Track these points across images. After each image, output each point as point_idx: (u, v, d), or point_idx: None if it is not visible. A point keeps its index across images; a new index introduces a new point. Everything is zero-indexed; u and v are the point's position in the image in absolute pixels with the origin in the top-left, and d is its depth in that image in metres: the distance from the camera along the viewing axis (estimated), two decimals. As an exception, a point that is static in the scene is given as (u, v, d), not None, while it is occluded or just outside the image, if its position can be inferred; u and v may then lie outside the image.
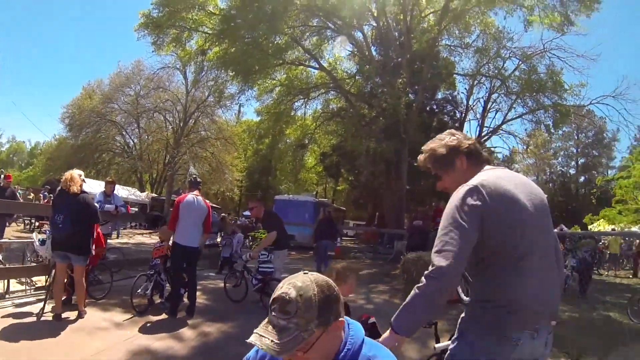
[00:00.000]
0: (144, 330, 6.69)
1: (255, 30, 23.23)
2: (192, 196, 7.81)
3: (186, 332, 6.90)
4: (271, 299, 1.63)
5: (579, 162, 63.77)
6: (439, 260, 2.21)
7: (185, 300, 7.91)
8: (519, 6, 24.53)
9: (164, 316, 7.54)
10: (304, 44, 26.36)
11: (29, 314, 6.65)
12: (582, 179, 62.95)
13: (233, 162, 42.54)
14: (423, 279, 2.25)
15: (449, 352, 2.48)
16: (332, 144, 33.66)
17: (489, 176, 2.47)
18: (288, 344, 1.54)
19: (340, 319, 1.66)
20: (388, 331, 2.33)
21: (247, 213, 30.67)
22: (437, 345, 3.45)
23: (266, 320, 1.63)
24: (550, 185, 62.78)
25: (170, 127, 42.11)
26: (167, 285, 8.27)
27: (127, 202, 23.05)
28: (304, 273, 1.69)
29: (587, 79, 31.35)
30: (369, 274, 15.80)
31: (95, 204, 7.22)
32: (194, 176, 8.90)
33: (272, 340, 1.54)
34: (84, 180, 6.77)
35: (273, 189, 48.94)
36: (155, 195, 39.52)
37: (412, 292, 2.27)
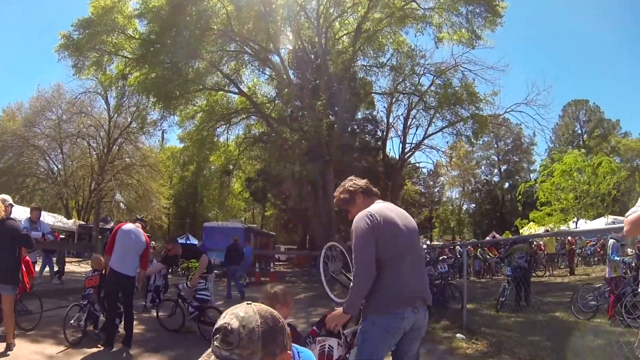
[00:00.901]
0: None
1: (174, 55, 23.29)
2: (132, 225, 7.68)
3: None
4: (214, 328, 1.57)
5: (502, 169, 66.88)
6: (360, 265, 3.45)
7: (121, 330, 7.59)
8: (428, 24, 25.96)
9: (99, 348, 7.20)
10: (222, 69, 26.54)
11: (-47, 348, 6.22)
12: (506, 185, 65.81)
13: (159, 189, 41.32)
14: (353, 279, 3.51)
15: (359, 331, 3.61)
16: (256, 169, 33.79)
17: (378, 207, 3.76)
18: None
19: (287, 351, 1.62)
20: (339, 310, 3.61)
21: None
22: (345, 331, 4.11)
23: (209, 350, 1.60)
24: (477, 194, 66.04)
25: (94, 153, 40.20)
26: (102, 315, 7.85)
27: (54, 229, 22.25)
28: (247, 303, 1.63)
29: (500, 89, 33.22)
30: (307, 298, 15.84)
31: (24, 229, 6.89)
32: (138, 215, 8.67)
33: None
34: (11, 205, 6.51)
35: (201, 216, 48.45)
36: (83, 222, 38.20)
37: (350, 290, 3.53)
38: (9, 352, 6.25)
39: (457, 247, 19.04)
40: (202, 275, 8.66)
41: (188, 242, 28.38)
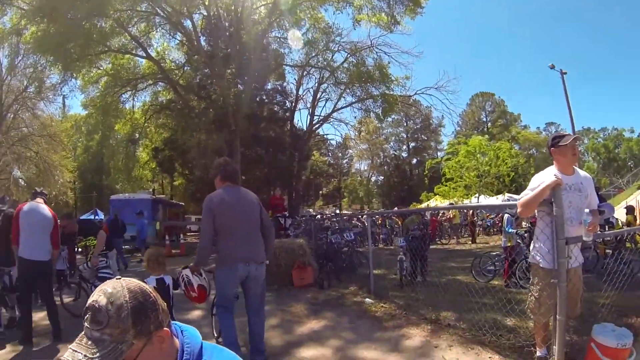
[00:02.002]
0: None
1: (78, 10, 21.34)
2: (34, 203, 6.82)
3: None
4: (84, 308, 1.46)
5: (410, 146, 70.84)
6: (201, 233, 5.38)
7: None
8: (348, 4, 25.89)
9: (6, 348, 6.33)
10: (130, 31, 24.99)
11: None
12: (414, 160, 69.68)
13: (62, 162, 38.79)
14: (198, 242, 5.67)
15: (215, 278, 5.31)
16: (163, 138, 32.81)
17: (219, 191, 5.20)
18: (105, 357, 1.37)
19: (163, 328, 1.50)
20: (192, 264, 5.18)
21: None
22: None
23: (82, 332, 1.44)
24: (386, 168, 69.32)
25: None
26: (4, 310, 7.31)
27: None
28: (117, 278, 1.53)
29: (413, 73, 34.59)
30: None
31: None
32: (37, 188, 7.77)
33: (85, 355, 1.37)
34: None
35: (109, 188, 46.75)
36: (-25, 205, 35.44)
37: (197, 249, 5.45)
38: None
39: (364, 216, 19.46)
40: (102, 253, 8.26)
41: (96, 217, 27.21)
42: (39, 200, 6.93)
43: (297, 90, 35.42)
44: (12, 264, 7.20)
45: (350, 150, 64.64)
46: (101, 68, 27.02)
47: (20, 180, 37.52)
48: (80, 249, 11.52)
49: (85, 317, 1.42)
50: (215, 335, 5.80)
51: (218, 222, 4.99)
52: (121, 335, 1.39)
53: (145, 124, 30.46)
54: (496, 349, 5.15)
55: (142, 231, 19.51)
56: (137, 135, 31.34)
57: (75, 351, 1.39)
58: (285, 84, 36.27)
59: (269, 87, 34.96)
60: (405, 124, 68.08)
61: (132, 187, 43.26)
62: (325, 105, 34.48)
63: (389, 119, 40.80)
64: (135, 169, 38.12)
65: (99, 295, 1.43)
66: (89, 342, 1.39)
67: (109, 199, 28.99)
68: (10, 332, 6.98)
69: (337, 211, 48.34)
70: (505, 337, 5.37)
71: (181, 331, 1.65)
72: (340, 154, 65.58)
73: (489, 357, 5.01)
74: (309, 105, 35.37)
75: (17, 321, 7.19)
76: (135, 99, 29.96)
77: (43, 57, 24.32)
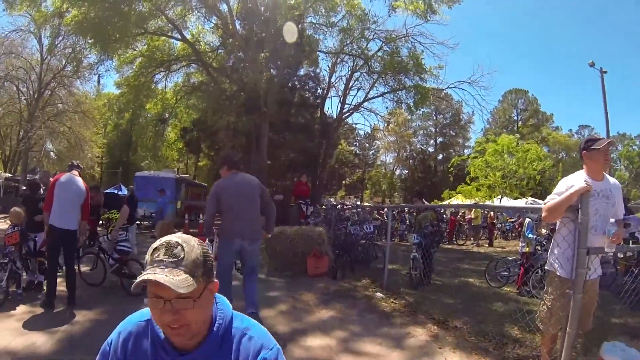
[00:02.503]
0: (1, 327, 5.86)
1: None
2: (69, 175, 7.18)
3: (49, 323, 6.11)
4: (151, 249, 1.57)
5: (438, 141, 68.84)
6: (206, 212, 6.50)
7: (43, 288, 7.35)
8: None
9: (22, 308, 6.71)
10: (167, 13, 25.17)
11: None
12: (440, 156, 67.63)
13: (92, 137, 39.85)
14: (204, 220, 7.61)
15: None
16: (192, 119, 33.09)
17: (224, 178, 6.27)
18: (183, 281, 1.48)
19: (214, 280, 1.65)
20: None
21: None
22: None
23: (152, 265, 1.52)
24: (411, 161, 67.55)
25: (23, 98, 37.64)
26: (24, 273, 7.65)
27: None
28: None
29: (446, 65, 33.76)
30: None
31: None
32: (74, 161, 8.02)
33: (166, 275, 1.47)
34: None
35: (134, 165, 47.34)
36: (9, 175, 36.36)
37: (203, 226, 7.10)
38: None
39: (385, 209, 19.19)
40: (123, 227, 8.48)
41: (120, 192, 27.62)
42: (75, 172, 7.28)
43: (330, 77, 34.81)
44: (37, 231, 7.64)
45: (378, 142, 64.03)
46: (137, 49, 27.27)
47: (52, 153, 38.53)
48: (102, 221, 11.68)
49: (158, 252, 1.54)
50: None
51: (222, 203, 6.07)
52: (193, 269, 1.53)
53: (176, 105, 30.74)
54: (499, 357, 5.10)
55: (164, 209, 19.62)
56: (167, 115, 31.58)
57: (155, 274, 1.48)
58: (318, 70, 35.87)
59: (301, 72, 34.50)
60: (434, 118, 66.57)
61: (158, 165, 43.60)
62: (356, 94, 33.98)
63: (419, 112, 40.00)
64: (163, 148, 38.61)
65: (170, 237, 1.58)
66: (166, 270, 1.49)
67: (133, 175, 29.42)
68: (28, 294, 7.37)
69: (359, 202, 48.05)
70: (510, 346, 5.33)
71: (215, 299, 1.72)
72: (367, 145, 64.97)
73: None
74: (340, 93, 34.68)
75: (35, 285, 7.67)
76: (168, 80, 30.11)
77: (82, 39, 24.68)
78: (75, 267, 7.68)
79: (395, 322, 6.61)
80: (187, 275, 1.50)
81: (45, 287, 7.29)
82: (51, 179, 7.76)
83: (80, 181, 7.28)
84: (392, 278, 9.32)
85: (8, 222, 7.88)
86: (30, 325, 6.01)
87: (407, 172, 69.85)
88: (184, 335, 1.55)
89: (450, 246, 20.37)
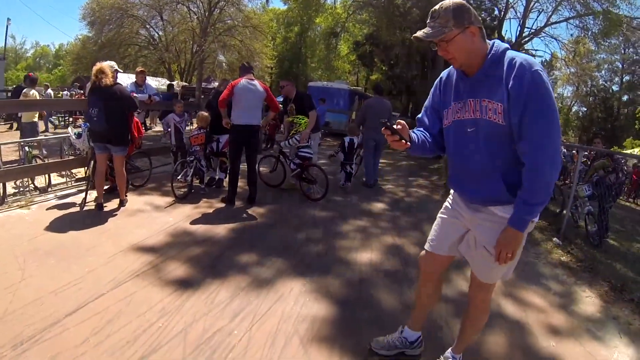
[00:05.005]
0: (185, 215, 6.69)
1: None
2: (246, 80, 7.39)
3: (228, 217, 6.83)
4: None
5: (624, 79, 57.75)
6: (357, 118, 12.95)
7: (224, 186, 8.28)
8: None
9: (204, 202, 7.58)
10: None
11: (72, 205, 6.72)
12: (625, 97, 57.94)
13: (262, 49, 41.13)
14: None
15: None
16: (364, 34, 32.71)
17: (369, 100, 11.07)
18: (433, 34, 2.41)
19: (475, 26, 2.41)
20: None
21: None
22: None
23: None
24: (591, 99, 58.34)
25: (195, 17, 40.23)
26: (207, 171, 8.47)
27: (159, 92, 22.64)
28: None
29: None
30: (408, 166, 15.90)
31: (130, 92, 7.07)
32: (245, 61, 8.42)
33: (423, 32, 2.44)
34: (117, 71, 6.61)
35: (305, 76, 48.31)
36: (186, 83, 39.20)
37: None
38: (122, 207, 6.78)
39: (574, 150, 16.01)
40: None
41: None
42: (250, 76, 7.57)
43: (508, -3, 31.60)
44: (221, 133, 8.31)
45: (557, 72, 58.60)
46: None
47: (224, 64, 40.85)
48: (283, 126, 12.17)
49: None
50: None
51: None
52: (445, 23, 2.40)
53: (347, 19, 30.66)
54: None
55: (322, 117, 20.13)
56: (338, 29, 31.58)
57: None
58: (496, -12, 33.00)
59: (478, -9, 32.04)
60: (623, 52, 55.58)
61: (330, 76, 44.40)
62: (537, 17, 31.21)
63: (606, 43, 35.40)
64: (335, 60, 38.94)
65: (442, 2, 2.44)
66: (425, 28, 2.45)
67: (304, 86, 30.17)
68: (209, 189, 8.53)
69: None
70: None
71: (492, 42, 2.51)
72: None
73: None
74: (519, 15, 31.43)
75: (215, 182, 8.65)
76: (338, -6, 29.64)
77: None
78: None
79: (566, 277, 5.87)
80: (439, 28, 2.40)
81: (225, 185, 8.12)
82: None
83: (257, 84, 7.53)
84: (570, 225, 8.45)
85: (195, 124, 8.73)
86: (211, 217, 6.85)
87: (585, 109, 61.55)
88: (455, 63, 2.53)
89: (628, 204, 17.60)
